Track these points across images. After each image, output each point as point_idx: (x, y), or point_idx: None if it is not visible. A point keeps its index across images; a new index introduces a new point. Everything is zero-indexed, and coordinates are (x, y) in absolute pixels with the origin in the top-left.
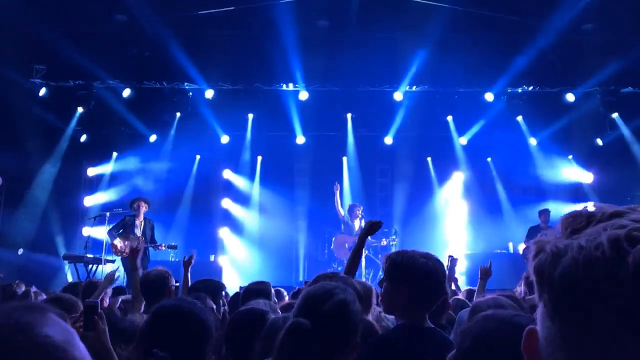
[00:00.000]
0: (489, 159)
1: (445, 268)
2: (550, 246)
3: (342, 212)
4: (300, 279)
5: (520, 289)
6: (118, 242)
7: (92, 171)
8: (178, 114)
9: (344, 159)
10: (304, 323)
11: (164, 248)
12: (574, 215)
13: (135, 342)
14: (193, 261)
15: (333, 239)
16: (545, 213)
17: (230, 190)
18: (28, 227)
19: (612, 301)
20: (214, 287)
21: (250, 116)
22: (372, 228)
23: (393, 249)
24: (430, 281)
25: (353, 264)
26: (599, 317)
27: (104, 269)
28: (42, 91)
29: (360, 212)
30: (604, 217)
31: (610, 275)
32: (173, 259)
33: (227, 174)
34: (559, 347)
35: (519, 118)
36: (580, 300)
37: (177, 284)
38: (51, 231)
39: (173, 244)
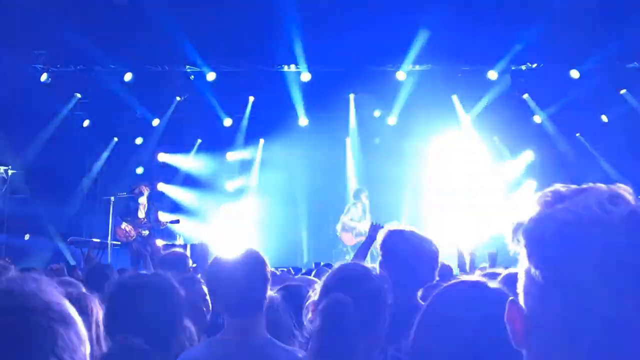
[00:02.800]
0: (495, 138)
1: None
2: (531, 220)
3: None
4: (305, 260)
5: None
6: (123, 227)
7: (95, 157)
8: (178, 98)
9: (347, 139)
10: (345, 299)
11: (165, 225)
12: (545, 193)
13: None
14: None
15: (338, 226)
16: None
17: (233, 172)
18: (33, 213)
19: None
20: (178, 259)
21: (251, 98)
22: (376, 233)
23: None
24: (414, 260)
25: (358, 259)
26: (590, 273)
27: (110, 254)
28: (44, 77)
29: (365, 197)
30: (572, 193)
31: (602, 231)
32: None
33: (230, 156)
34: (546, 312)
35: (525, 96)
36: (563, 266)
37: (195, 265)
38: (56, 216)
39: (175, 219)
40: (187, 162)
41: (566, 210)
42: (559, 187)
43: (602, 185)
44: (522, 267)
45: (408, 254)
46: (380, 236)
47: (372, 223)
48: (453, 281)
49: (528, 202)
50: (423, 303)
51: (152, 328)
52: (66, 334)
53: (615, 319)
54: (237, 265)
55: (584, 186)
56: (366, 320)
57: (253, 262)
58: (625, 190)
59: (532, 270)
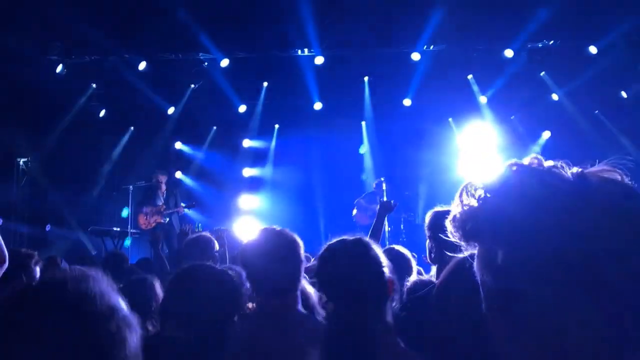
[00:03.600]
0: (512, 117)
1: None
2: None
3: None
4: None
5: None
6: (144, 215)
7: (113, 146)
8: (192, 85)
9: (363, 123)
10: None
11: (183, 209)
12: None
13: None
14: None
15: (354, 209)
16: None
17: (250, 159)
18: (53, 203)
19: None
20: (204, 243)
21: (265, 84)
22: (386, 207)
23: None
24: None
25: (374, 236)
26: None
27: (132, 242)
28: (59, 68)
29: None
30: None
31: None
32: (198, 230)
33: (247, 143)
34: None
35: (543, 74)
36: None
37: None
38: (75, 206)
39: (191, 202)
40: (203, 149)
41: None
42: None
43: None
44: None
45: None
46: (428, 217)
47: (381, 200)
48: None
49: None
50: None
51: (205, 318)
52: (131, 338)
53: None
54: (271, 246)
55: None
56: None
57: (287, 244)
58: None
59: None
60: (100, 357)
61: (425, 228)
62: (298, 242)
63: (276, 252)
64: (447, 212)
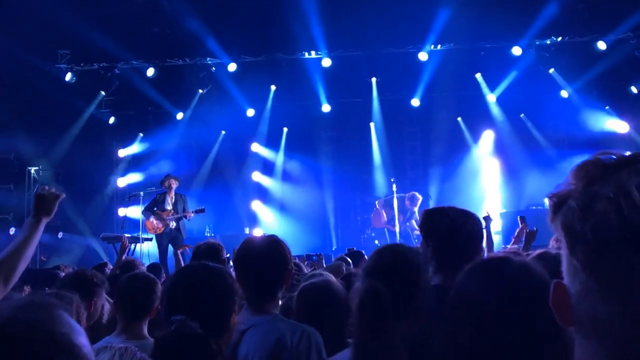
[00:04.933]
0: (522, 115)
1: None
2: (575, 200)
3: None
4: (334, 247)
5: (554, 243)
6: (152, 220)
7: (122, 152)
8: (200, 90)
9: (371, 124)
10: (379, 286)
11: (192, 215)
12: (588, 165)
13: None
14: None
15: (375, 208)
16: None
17: (259, 163)
18: (65, 211)
19: None
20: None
21: (273, 87)
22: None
23: None
24: (456, 237)
25: None
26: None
27: (142, 248)
28: (68, 76)
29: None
30: (618, 165)
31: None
32: (208, 234)
33: (255, 147)
34: (597, 299)
35: (551, 71)
36: (619, 251)
37: (229, 256)
38: (87, 213)
39: (200, 208)
40: (212, 154)
41: (608, 200)
42: (601, 156)
43: None
44: (566, 249)
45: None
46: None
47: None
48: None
49: (568, 174)
50: None
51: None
52: None
53: None
54: (256, 252)
55: (634, 156)
56: (403, 305)
57: (271, 250)
58: None
59: (578, 256)
60: None
61: (420, 228)
62: (283, 249)
63: (261, 258)
64: (441, 211)
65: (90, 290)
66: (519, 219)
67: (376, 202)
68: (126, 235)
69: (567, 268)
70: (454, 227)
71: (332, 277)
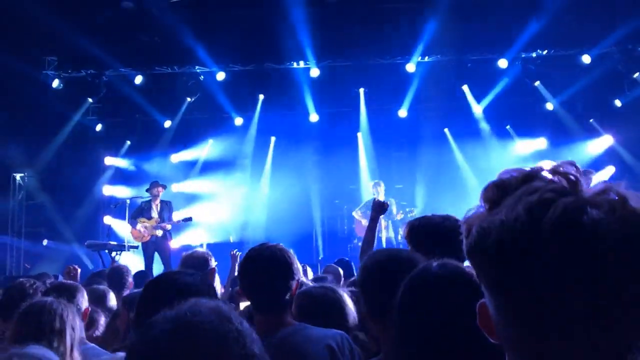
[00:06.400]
0: (508, 127)
1: None
2: (476, 227)
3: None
4: (321, 256)
5: None
6: (138, 228)
7: (109, 160)
8: (189, 99)
9: (359, 134)
10: None
11: (178, 221)
12: (489, 188)
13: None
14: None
15: (355, 215)
16: None
17: (245, 172)
18: (50, 218)
19: (540, 267)
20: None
21: (261, 97)
22: (378, 208)
23: None
24: (449, 241)
25: (367, 243)
26: (531, 285)
27: (126, 256)
28: (55, 83)
29: (381, 189)
30: (517, 183)
31: (532, 242)
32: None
33: (242, 156)
34: (505, 322)
35: (537, 83)
36: (514, 274)
37: (217, 264)
38: (72, 221)
39: (187, 216)
40: (200, 162)
41: (501, 224)
42: (503, 176)
43: (543, 173)
44: (475, 273)
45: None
46: (406, 229)
47: (374, 200)
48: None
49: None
50: None
51: None
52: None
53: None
54: (261, 264)
55: (530, 173)
56: None
57: (276, 261)
58: (565, 174)
59: (483, 281)
60: None
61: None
62: (289, 257)
63: (266, 268)
64: (424, 221)
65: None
66: None
67: (353, 213)
68: (111, 242)
69: (484, 290)
70: (441, 232)
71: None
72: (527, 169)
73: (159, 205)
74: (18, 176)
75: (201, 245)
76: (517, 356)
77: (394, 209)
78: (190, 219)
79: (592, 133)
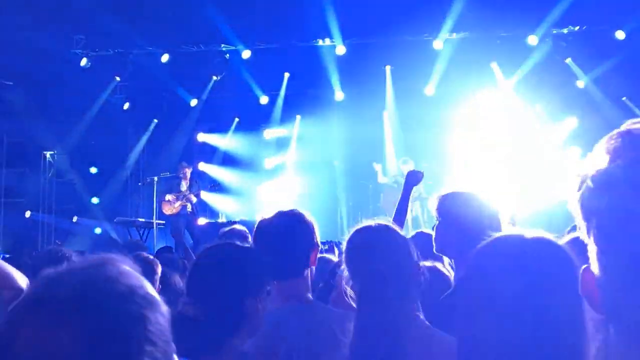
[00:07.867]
0: (537, 105)
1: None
2: (593, 177)
3: (387, 179)
4: (346, 235)
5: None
6: (168, 199)
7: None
8: (215, 77)
9: (385, 113)
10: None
11: (208, 189)
12: (614, 137)
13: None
14: None
15: (382, 194)
16: None
17: (271, 150)
18: (79, 195)
19: None
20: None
21: (287, 75)
22: (412, 178)
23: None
24: (482, 216)
25: (400, 214)
26: None
27: (155, 233)
28: (83, 61)
29: (409, 167)
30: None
31: None
32: (222, 220)
33: (268, 134)
34: (619, 287)
35: (568, 60)
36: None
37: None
38: (101, 197)
39: (215, 184)
40: (226, 141)
41: (621, 172)
42: (629, 125)
43: None
44: (584, 229)
45: (468, 216)
46: (435, 200)
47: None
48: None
49: (593, 153)
50: None
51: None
52: (154, 317)
53: None
54: (277, 226)
55: None
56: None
57: (294, 223)
58: None
59: (595, 237)
60: (120, 338)
61: (436, 212)
62: (310, 224)
63: (285, 232)
64: (463, 195)
65: None
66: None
67: (379, 180)
68: (140, 219)
69: (590, 253)
70: (474, 206)
71: None
72: None
73: (188, 182)
74: (48, 154)
75: (226, 224)
76: (623, 327)
77: (421, 187)
78: (218, 183)
79: (625, 112)
